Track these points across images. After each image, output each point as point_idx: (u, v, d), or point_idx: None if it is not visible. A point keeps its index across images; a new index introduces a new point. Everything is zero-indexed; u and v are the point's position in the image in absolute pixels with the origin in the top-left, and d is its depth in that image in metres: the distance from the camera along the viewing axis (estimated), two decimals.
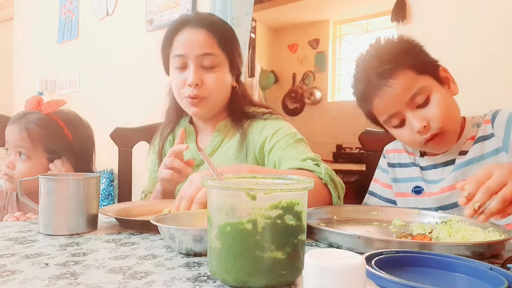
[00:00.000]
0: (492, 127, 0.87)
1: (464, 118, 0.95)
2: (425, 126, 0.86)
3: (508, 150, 0.84)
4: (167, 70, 1.14)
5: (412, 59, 0.87)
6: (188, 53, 1.03)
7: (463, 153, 0.91)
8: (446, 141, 0.89)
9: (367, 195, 1.09)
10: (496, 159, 0.85)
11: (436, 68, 0.90)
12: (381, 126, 0.98)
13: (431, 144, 0.89)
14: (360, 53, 0.95)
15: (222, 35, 1.07)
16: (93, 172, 1.19)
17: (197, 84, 1.02)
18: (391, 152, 1.07)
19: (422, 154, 0.99)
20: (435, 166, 0.96)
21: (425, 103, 0.87)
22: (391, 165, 1.05)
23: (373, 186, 1.09)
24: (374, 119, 0.97)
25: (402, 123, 0.90)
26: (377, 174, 1.09)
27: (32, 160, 1.13)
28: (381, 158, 1.10)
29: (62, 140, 1.16)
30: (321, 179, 0.92)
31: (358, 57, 0.95)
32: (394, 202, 1.03)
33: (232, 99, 1.14)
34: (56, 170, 1.13)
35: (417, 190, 0.97)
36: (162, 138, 1.21)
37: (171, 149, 0.96)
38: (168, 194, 1.03)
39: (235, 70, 1.12)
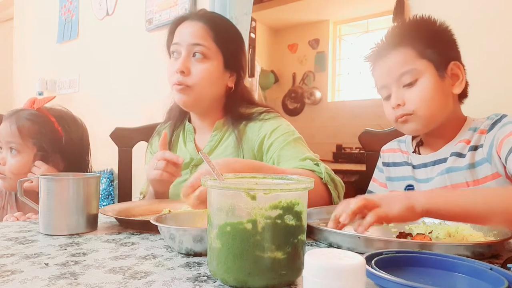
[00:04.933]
0: (485, 138, 0.87)
1: (465, 118, 0.95)
2: (398, 104, 0.89)
3: (491, 161, 0.84)
4: None
5: (419, 41, 0.89)
6: (181, 41, 1.06)
7: (454, 154, 0.90)
8: (414, 125, 0.90)
9: (366, 194, 1.10)
10: (482, 169, 0.86)
11: (445, 60, 0.90)
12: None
13: (399, 122, 0.91)
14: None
15: (220, 31, 1.07)
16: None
17: (183, 72, 1.03)
18: (386, 152, 1.08)
19: (415, 151, 1.00)
20: (425, 165, 0.96)
21: (411, 85, 0.89)
22: (386, 164, 1.06)
23: (371, 186, 1.11)
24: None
25: (389, 97, 0.93)
26: (375, 173, 1.11)
27: (21, 154, 1.13)
28: (379, 158, 1.12)
29: (52, 134, 1.15)
30: (321, 178, 0.92)
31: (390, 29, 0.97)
32: None
33: (229, 99, 1.13)
34: (38, 171, 1.10)
35: (410, 189, 0.98)
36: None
37: (163, 154, 0.92)
38: (161, 195, 1.03)
39: (232, 69, 1.11)
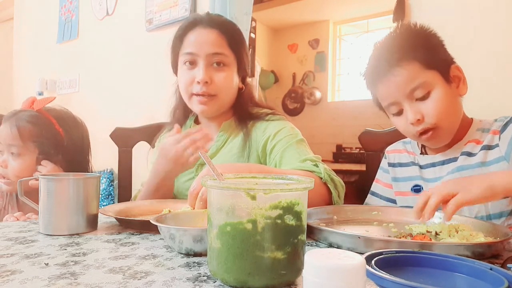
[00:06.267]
0: (499, 138, 0.88)
1: (471, 120, 0.96)
2: (418, 120, 0.87)
3: (509, 160, 0.85)
4: (175, 69, 1.15)
5: (422, 52, 0.88)
6: (198, 51, 1.05)
7: (464, 153, 0.91)
8: (439, 137, 0.90)
9: (368, 195, 1.10)
10: (497, 167, 0.86)
11: (447, 65, 0.90)
12: (384, 112, 0.99)
13: (424, 137, 0.90)
14: (381, 38, 0.96)
15: (232, 36, 1.09)
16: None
17: (207, 82, 1.04)
18: (392, 153, 1.08)
19: (423, 152, 1.00)
20: (433, 165, 0.97)
21: (424, 98, 0.88)
22: (392, 164, 1.06)
23: (374, 187, 1.10)
24: (378, 104, 0.98)
25: (400, 112, 0.92)
26: (379, 174, 1.11)
27: (23, 157, 1.12)
28: (383, 159, 1.12)
29: (53, 136, 1.15)
30: (321, 178, 0.92)
31: (377, 41, 0.96)
32: (394, 201, 1.04)
33: (238, 100, 1.15)
34: (44, 170, 1.11)
35: (416, 189, 0.98)
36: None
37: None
38: (165, 187, 1.02)
39: (242, 71, 1.14)
